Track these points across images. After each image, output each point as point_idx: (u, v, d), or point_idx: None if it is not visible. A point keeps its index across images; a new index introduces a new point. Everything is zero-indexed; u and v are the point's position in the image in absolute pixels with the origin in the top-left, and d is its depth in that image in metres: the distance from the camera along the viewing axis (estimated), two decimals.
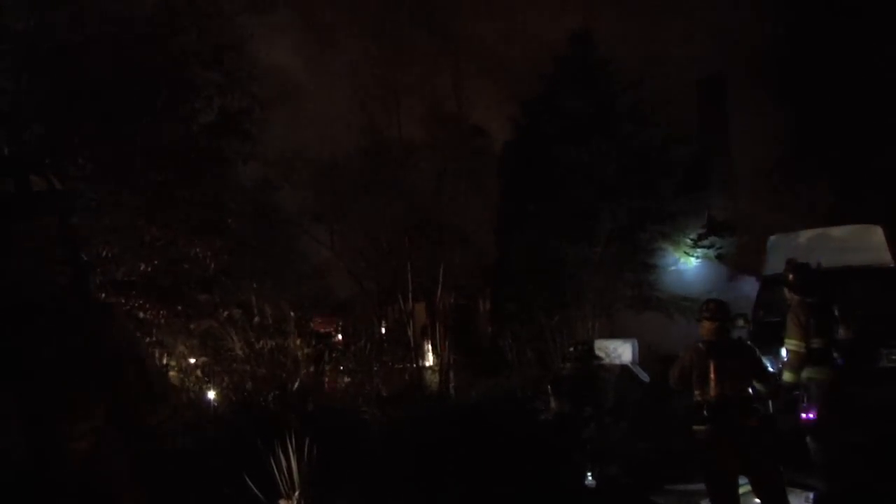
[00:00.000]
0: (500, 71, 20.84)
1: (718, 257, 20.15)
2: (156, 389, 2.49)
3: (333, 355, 11.95)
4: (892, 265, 12.35)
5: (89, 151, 9.74)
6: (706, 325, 6.94)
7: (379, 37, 18.35)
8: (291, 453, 7.54)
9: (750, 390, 6.83)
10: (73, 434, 2.24)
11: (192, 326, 11.33)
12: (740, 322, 11.22)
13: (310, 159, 17.15)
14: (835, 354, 8.27)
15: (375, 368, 12.66)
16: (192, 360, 11.28)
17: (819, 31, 20.64)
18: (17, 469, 2.18)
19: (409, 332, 16.76)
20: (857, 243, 12.56)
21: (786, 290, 8.59)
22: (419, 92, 19.31)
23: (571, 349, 10.79)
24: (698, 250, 20.14)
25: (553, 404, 10.12)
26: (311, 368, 10.79)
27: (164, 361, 10.80)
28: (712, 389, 6.68)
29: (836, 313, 8.55)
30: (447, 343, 18.02)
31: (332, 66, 18.42)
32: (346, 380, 11.86)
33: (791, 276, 8.52)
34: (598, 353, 12.16)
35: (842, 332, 8.56)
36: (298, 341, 10.79)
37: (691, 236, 20.12)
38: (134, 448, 2.43)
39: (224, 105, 11.44)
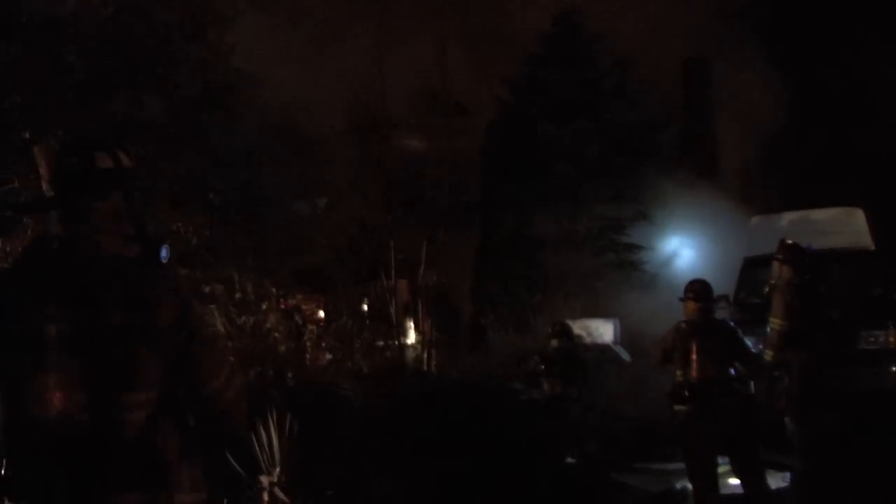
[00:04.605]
0: (486, 50, 20.67)
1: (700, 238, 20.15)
2: (218, 365, 2.52)
3: (313, 331, 11.90)
4: (872, 248, 12.40)
5: (69, 123, 9.62)
6: (689, 305, 6.95)
7: (365, 10, 18.17)
8: (272, 429, 7.52)
9: (731, 371, 6.86)
10: (130, 403, 2.27)
11: None
12: (722, 303, 11.25)
13: (293, 133, 17.02)
14: (819, 336, 8.33)
15: (357, 345, 12.62)
16: None
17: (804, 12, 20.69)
18: (83, 434, 2.27)
19: (392, 310, 16.69)
20: (839, 226, 12.59)
21: (775, 269, 8.64)
22: (404, 68, 19.16)
23: (549, 329, 10.83)
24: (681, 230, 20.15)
25: (546, 386, 10.10)
26: (292, 345, 10.75)
27: None
28: (694, 370, 6.71)
29: (823, 295, 8.64)
30: (429, 321, 17.99)
31: (316, 40, 18.16)
32: (328, 356, 11.82)
33: (783, 256, 8.58)
34: (579, 332, 12.17)
35: (826, 314, 8.66)
36: (278, 317, 10.75)
37: (674, 216, 20.13)
38: (183, 423, 2.47)
39: (207, 79, 11.33)
